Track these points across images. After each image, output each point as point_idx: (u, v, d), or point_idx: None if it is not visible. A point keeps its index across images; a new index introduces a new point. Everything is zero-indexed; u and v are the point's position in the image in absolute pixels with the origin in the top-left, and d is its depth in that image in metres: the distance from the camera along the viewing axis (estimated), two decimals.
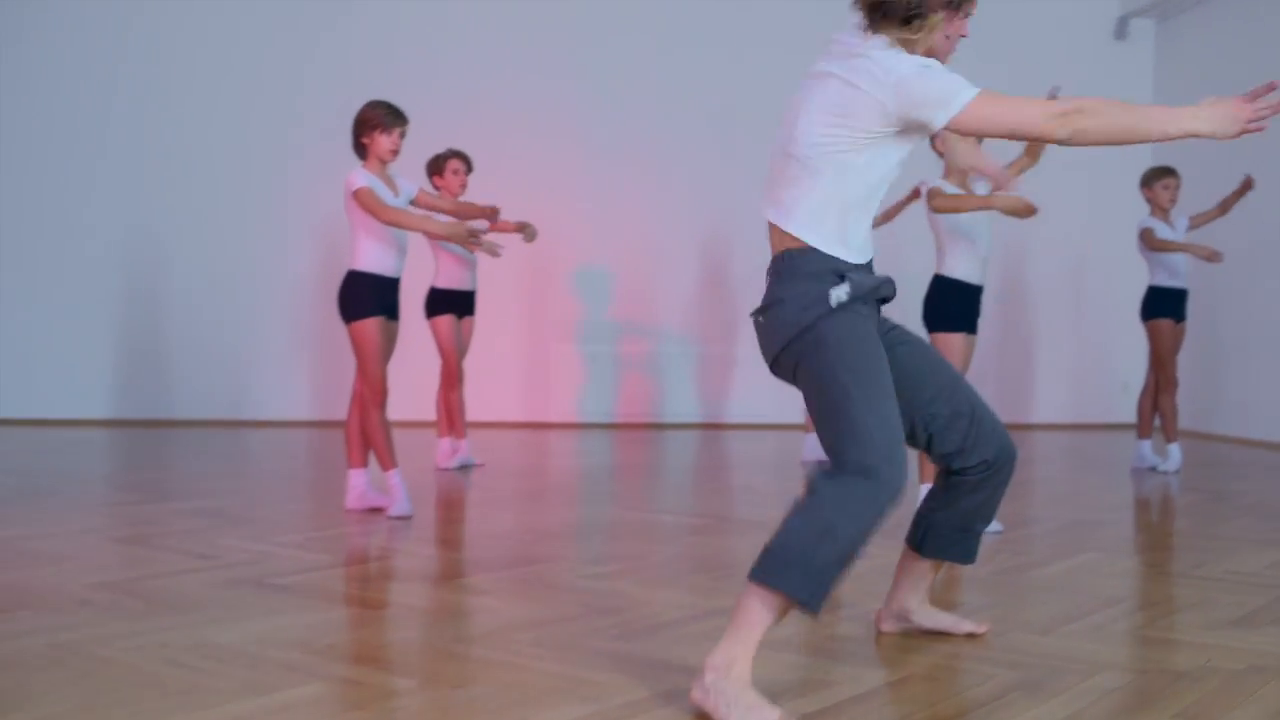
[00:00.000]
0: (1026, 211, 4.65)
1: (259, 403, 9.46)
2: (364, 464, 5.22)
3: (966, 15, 2.79)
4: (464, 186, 6.65)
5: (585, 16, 9.65)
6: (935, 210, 4.89)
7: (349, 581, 3.96)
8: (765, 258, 2.78)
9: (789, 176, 2.67)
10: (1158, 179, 6.96)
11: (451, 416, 6.75)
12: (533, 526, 5.02)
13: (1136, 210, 7.48)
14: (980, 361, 7.57)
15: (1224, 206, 7.15)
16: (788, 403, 8.21)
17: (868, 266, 2.74)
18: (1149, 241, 6.86)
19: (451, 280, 6.67)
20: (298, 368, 9.48)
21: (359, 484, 5.19)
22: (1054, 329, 10.16)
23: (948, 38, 2.76)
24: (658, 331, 9.81)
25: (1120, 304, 8.92)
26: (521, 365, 9.71)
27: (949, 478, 3.02)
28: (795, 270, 2.67)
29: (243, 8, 9.41)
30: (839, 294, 2.62)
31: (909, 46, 2.67)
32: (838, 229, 2.66)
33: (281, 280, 9.42)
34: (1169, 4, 9.78)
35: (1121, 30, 10.19)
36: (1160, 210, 6.96)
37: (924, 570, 3.21)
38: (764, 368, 2.99)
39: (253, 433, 8.88)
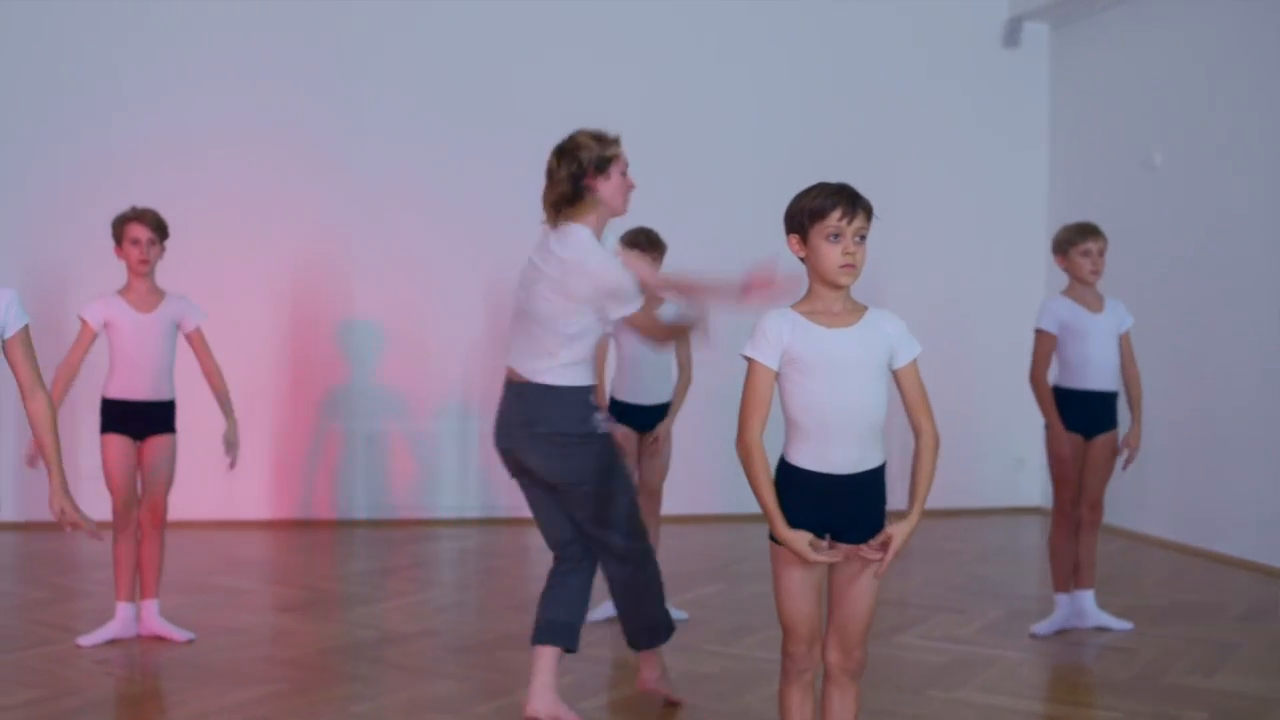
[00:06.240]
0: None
1: None
2: None
3: (623, 173, 3.39)
4: (145, 262, 4.64)
5: (340, 34, 7.86)
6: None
7: None
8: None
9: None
10: (1074, 244, 5.12)
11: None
12: None
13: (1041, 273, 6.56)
14: None
15: None
16: None
17: None
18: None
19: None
20: None
21: None
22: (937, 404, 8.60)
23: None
24: (429, 405, 7.94)
25: (1011, 373, 6.84)
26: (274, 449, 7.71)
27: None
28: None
29: None
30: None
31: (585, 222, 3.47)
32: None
33: None
34: (1065, 6, 8.54)
35: (1013, 36, 8.97)
36: (1079, 283, 5.12)
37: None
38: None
39: None
